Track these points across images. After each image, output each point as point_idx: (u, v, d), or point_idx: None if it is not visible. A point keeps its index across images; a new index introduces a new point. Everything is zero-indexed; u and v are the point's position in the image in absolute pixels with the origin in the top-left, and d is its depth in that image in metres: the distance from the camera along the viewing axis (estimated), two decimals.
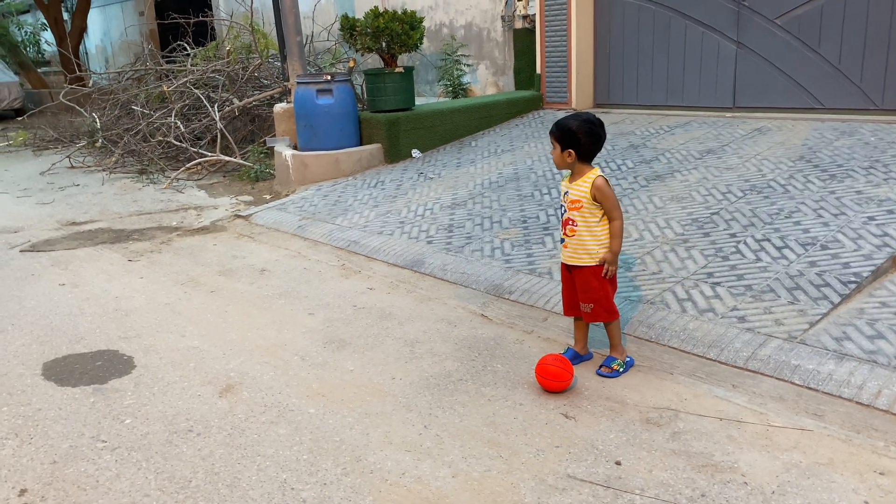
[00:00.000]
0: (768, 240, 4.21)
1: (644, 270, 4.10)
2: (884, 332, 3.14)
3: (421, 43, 7.51)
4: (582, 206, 3.10)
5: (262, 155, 8.56)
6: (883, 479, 2.37)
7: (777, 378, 3.01)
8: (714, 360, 3.21)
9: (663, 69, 8.02)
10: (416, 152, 7.64)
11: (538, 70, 8.97)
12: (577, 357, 3.32)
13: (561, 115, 8.53)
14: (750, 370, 3.10)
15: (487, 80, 10.11)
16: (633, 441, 2.69)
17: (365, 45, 7.32)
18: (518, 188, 5.98)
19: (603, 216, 3.11)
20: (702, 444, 2.64)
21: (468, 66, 10.03)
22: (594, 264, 3.14)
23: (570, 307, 3.32)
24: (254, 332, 3.95)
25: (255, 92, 9.69)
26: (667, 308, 3.64)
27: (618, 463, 2.56)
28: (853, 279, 3.62)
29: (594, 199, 3.07)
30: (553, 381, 3.04)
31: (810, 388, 2.91)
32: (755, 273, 3.85)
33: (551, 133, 3.12)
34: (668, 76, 7.99)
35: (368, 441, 2.79)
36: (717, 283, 3.80)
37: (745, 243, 4.22)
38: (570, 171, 3.18)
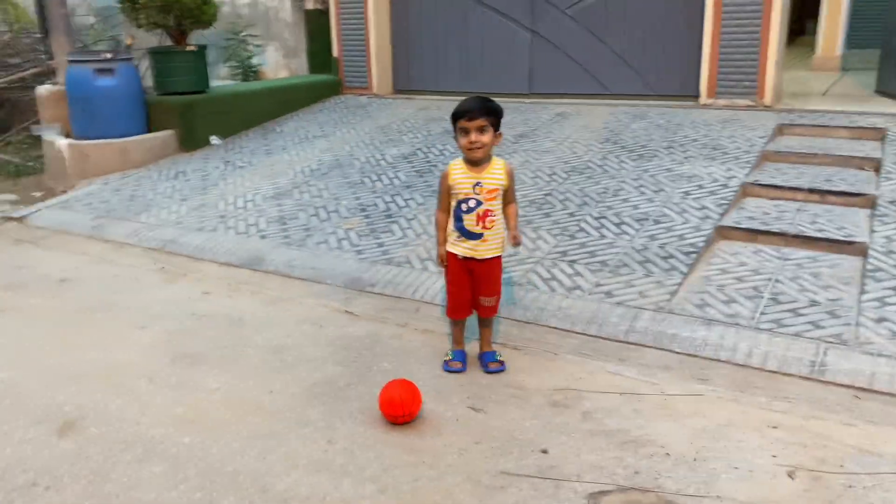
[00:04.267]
0: (605, 217, 4.43)
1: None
2: (734, 297, 3.43)
3: (216, 18, 6.87)
4: (498, 195, 2.96)
5: (23, 146, 7.32)
6: (777, 433, 2.57)
7: (658, 348, 3.15)
8: (595, 336, 3.29)
9: (463, 55, 8.15)
10: (215, 139, 7.01)
11: (335, 54, 8.68)
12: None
13: (363, 100, 8.44)
14: (632, 343, 3.21)
15: (278, 63, 9.60)
16: (550, 426, 2.65)
17: (151, 20, 6.53)
18: (344, 175, 5.71)
19: None
20: (614, 422, 2.67)
21: (257, 46, 9.43)
22: (502, 253, 3.05)
23: (465, 307, 3.10)
24: (76, 354, 3.32)
25: (1, 73, 8.26)
26: (536, 289, 3.67)
27: (544, 451, 2.50)
28: (692, 250, 3.92)
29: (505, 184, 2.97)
30: (398, 411, 2.68)
31: (690, 355, 3.08)
32: (604, 249, 4.02)
33: (483, 117, 2.85)
34: (467, 62, 8.15)
35: (269, 466, 2.45)
36: (574, 261, 3.91)
37: (586, 221, 4.40)
38: (464, 160, 2.97)
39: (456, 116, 2.92)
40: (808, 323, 3.16)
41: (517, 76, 7.88)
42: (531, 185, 5.10)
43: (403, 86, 8.69)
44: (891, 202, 4.26)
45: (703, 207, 4.43)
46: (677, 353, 3.11)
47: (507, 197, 3.03)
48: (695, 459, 2.43)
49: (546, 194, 4.91)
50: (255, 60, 9.33)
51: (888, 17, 7.09)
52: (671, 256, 3.86)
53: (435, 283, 3.83)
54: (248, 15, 9.52)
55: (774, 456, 2.43)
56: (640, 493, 2.27)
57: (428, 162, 5.83)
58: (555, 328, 3.38)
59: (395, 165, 5.83)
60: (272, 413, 2.79)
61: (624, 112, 6.74)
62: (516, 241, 3.06)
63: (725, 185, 4.73)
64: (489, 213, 2.96)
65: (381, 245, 4.37)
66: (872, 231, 3.94)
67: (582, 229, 4.30)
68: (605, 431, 2.61)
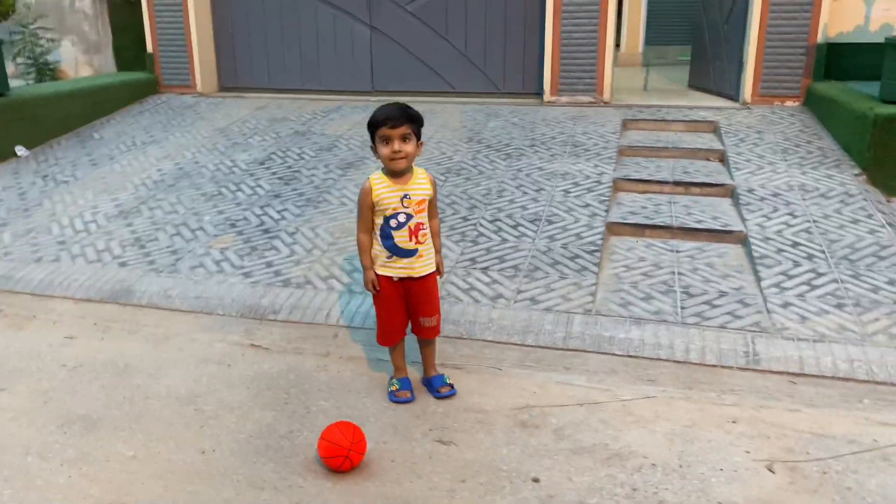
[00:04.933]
0: (499, 220, 4.38)
1: None
2: (651, 293, 3.53)
3: (14, 9, 5.87)
4: (425, 206, 2.76)
5: None
6: (739, 427, 2.65)
7: (599, 352, 3.14)
8: (534, 346, 3.21)
9: (298, 51, 7.73)
10: (21, 150, 6.01)
11: (150, 49, 7.84)
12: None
13: (189, 100, 7.74)
14: (571, 349, 3.17)
15: (78, 60, 8.48)
16: (528, 451, 2.52)
17: None
18: (196, 186, 5.14)
19: None
20: (588, 437, 2.60)
21: (50, 41, 8.25)
22: (434, 269, 2.85)
23: (401, 329, 2.87)
24: None
25: None
26: (459, 301, 3.52)
27: (535, 480, 2.37)
28: (594, 248, 3.98)
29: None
30: (341, 451, 2.37)
31: (631, 356, 3.11)
32: (511, 253, 3.97)
33: (407, 124, 2.62)
34: (303, 59, 7.74)
35: None
36: (487, 268, 3.82)
37: (482, 225, 4.32)
38: (384, 173, 2.75)
39: (376, 124, 2.68)
40: (727, 314, 3.32)
41: (359, 74, 7.63)
42: None
43: (230, 83, 8.07)
44: (748, 191, 4.63)
45: (588, 205, 4.53)
46: (618, 355, 3.12)
47: (431, 210, 2.85)
48: (680, 466, 2.43)
49: None
50: (52, 57, 8.15)
51: (698, 17, 7.77)
52: (577, 256, 3.90)
53: (349, 304, 3.55)
54: (38, 4, 8.30)
55: (747, 452, 2.50)
56: None
57: (289, 168, 5.42)
58: (491, 341, 3.26)
59: (252, 173, 5.36)
60: (215, 478, 2.38)
61: (475, 110, 6.76)
62: (439, 272, 2.89)
63: (599, 182, 4.88)
64: (421, 227, 2.77)
65: (269, 265, 3.97)
66: (744, 220, 4.26)
67: (481, 234, 4.21)
68: (584, 449, 2.53)
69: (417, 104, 6.93)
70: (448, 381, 2.90)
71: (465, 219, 4.41)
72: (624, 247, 4.10)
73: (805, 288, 3.51)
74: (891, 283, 3.52)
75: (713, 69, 7.32)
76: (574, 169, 5.12)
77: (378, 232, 2.77)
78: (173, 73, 7.86)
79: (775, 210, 4.35)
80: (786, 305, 3.37)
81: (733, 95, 6.76)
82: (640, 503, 2.25)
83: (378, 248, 2.79)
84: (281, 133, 6.26)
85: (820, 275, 3.62)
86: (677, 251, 4.02)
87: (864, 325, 3.19)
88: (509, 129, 6.09)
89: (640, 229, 4.26)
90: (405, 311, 2.85)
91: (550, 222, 4.31)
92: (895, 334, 3.13)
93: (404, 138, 2.66)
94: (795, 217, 4.25)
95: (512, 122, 6.33)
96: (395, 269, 2.78)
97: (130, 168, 5.58)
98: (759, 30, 6.34)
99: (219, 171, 5.41)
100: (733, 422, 2.69)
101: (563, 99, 6.88)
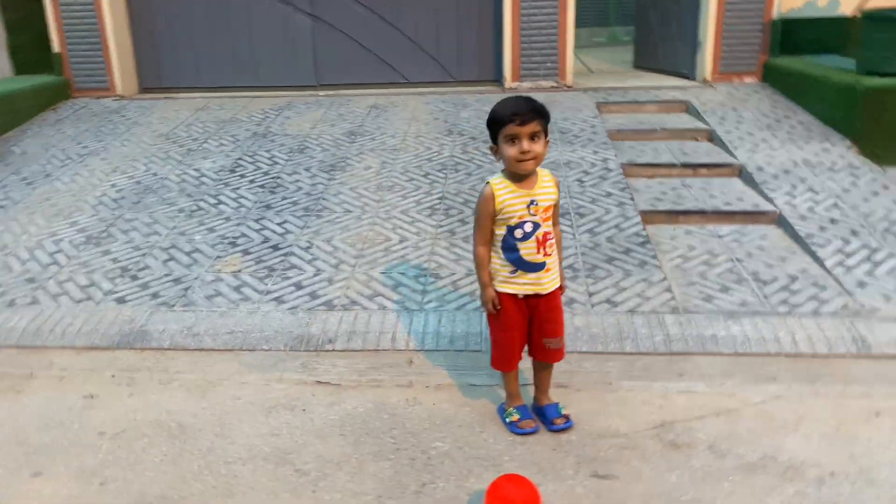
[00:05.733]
0: None
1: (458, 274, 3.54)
2: (725, 284, 3.38)
3: None
4: (551, 213, 2.44)
5: None
6: (887, 420, 2.54)
7: (706, 353, 2.95)
8: (635, 353, 2.97)
9: (228, 46, 7.07)
10: None
11: (56, 49, 6.94)
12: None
13: (111, 104, 6.93)
14: (676, 353, 2.96)
15: None
16: (697, 476, 2.28)
17: None
18: (168, 202, 4.52)
19: None
20: (747, 450, 2.40)
21: None
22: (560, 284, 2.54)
23: (520, 352, 2.54)
24: None
25: None
26: None
27: None
28: (641, 240, 3.80)
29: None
30: None
31: (740, 354, 2.93)
32: None
33: (537, 120, 2.30)
34: (237, 53, 7.09)
35: None
36: None
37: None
38: (506, 175, 2.42)
39: (501, 121, 2.34)
40: (811, 299, 3.22)
41: (301, 67, 7.08)
42: (413, 189, 4.55)
43: (153, 83, 7.29)
44: (758, 169, 4.59)
45: (609, 194, 4.34)
46: (727, 354, 2.94)
47: (554, 216, 2.53)
48: (860, 471, 2.27)
49: (440, 198, 4.41)
50: None
51: None
52: (630, 250, 3.69)
53: (411, 324, 3.16)
54: None
55: None
56: None
57: (265, 174, 4.89)
58: (586, 353, 2.99)
59: (226, 182, 4.79)
60: None
61: (438, 101, 6.42)
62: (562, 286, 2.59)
63: (607, 168, 4.71)
64: (549, 236, 2.45)
65: (299, 286, 3.50)
66: (769, 199, 4.20)
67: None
68: (754, 465, 2.32)
69: (374, 97, 6.60)
70: (563, 412, 2.58)
71: (463, 222, 4.09)
72: (665, 235, 3.94)
73: (869, 265, 3.47)
74: None
75: (662, 49, 7.33)
76: (575, 157, 4.92)
77: (500, 244, 2.43)
78: (87, 75, 6.99)
79: (794, 187, 4.32)
80: (862, 285, 3.31)
81: (688, 74, 6.78)
82: None
83: (499, 263, 2.45)
84: (238, 136, 5.67)
85: (874, 250, 3.60)
86: (719, 236, 3.90)
87: None
88: (485, 119, 5.79)
89: (673, 216, 4.12)
90: (527, 331, 2.53)
91: (581, 215, 4.09)
92: None
93: (533, 136, 2.32)
94: (817, 193, 4.24)
95: (483, 110, 5.96)
96: (521, 285, 2.45)
97: (77, 185, 4.85)
98: (717, 8, 6.37)
99: (186, 183, 4.80)
100: (877, 415, 2.57)
101: (526, 84, 6.66)
